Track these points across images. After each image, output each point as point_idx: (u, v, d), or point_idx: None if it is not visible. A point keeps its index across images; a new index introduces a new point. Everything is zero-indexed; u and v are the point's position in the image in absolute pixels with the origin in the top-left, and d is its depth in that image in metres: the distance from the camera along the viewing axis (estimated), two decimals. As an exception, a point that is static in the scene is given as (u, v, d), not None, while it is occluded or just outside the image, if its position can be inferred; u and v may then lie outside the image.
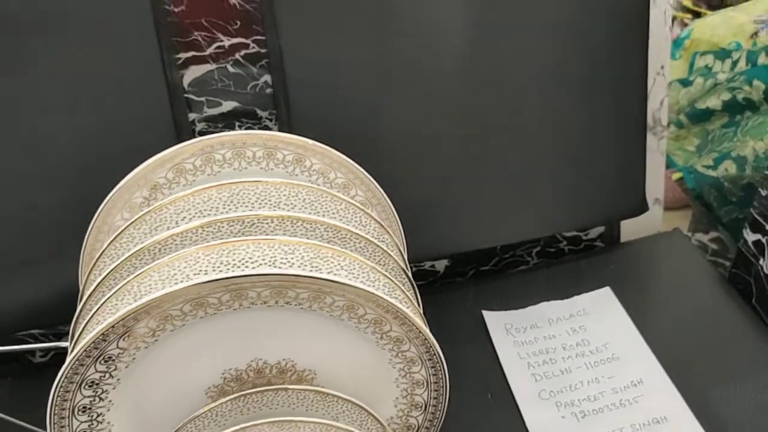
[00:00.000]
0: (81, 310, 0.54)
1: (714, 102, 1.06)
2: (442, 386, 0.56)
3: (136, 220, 0.55)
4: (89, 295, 0.53)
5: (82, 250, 0.61)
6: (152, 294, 0.46)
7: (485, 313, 0.79)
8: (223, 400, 0.52)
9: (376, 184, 0.63)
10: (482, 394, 0.70)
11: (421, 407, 0.57)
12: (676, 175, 1.11)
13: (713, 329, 0.75)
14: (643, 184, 0.81)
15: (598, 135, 0.78)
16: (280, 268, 0.47)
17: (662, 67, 0.79)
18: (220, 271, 0.47)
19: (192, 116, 0.72)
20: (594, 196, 0.80)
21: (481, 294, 0.81)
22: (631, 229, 0.88)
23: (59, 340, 0.81)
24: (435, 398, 0.56)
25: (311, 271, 0.48)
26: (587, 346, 0.75)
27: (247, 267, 0.47)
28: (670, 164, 1.09)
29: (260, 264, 0.48)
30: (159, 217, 0.54)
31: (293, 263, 0.48)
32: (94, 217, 0.61)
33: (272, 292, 0.48)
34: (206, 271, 0.47)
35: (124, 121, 0.68)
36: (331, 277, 0.48)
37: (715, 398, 0.67)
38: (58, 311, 0.67)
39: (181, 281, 0.47)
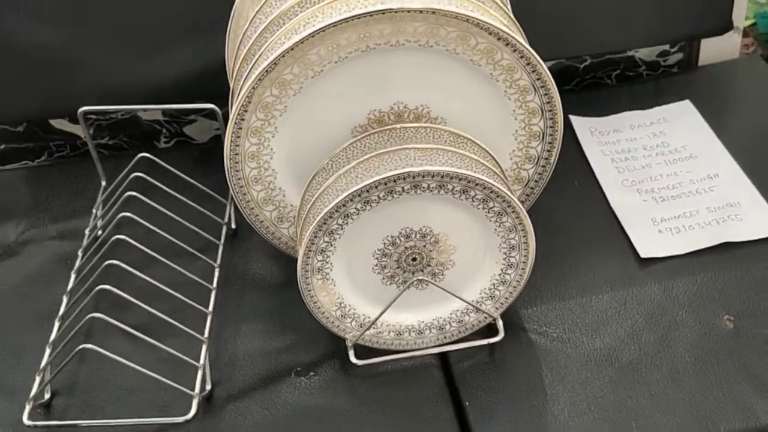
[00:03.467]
0: (245, 54, 0.61)
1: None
2: (556, 142, 0.63)
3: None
4: (254, 41, 0.60)
5: (230, 19, 0.68)
6: (326, 21, 0.53)
7: (572, 117, 0.86)
8: (370, 132, 0.60)
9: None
10: (570, 182, 0.78)
11: (534, 160, 0.64)
12: (748, 21, 1.15)
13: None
14: (731, 4, 0.85)
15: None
16: (436, 3, 0.54)
17: None
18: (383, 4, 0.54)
19: None
20: (685, 11, 0.85)
21: (565, 104, 0.88)
22: (709, 55, 0.93)
23: (182, 128, 0.90)
24: (547, 151, 0.64)
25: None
26: (666, 147, 0.82)
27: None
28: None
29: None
30: (311, -22, 0.61)
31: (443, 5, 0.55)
32: (242, -11, 0.68)
33: (426, 28, 0.55)
34: (367, 5, 0.54)
35: None
36: (477, 16, 0.55)
37: (786, 188, 0.75)
38: (204, 85, 0.76)
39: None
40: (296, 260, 0.63)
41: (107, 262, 0.58)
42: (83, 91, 0.74)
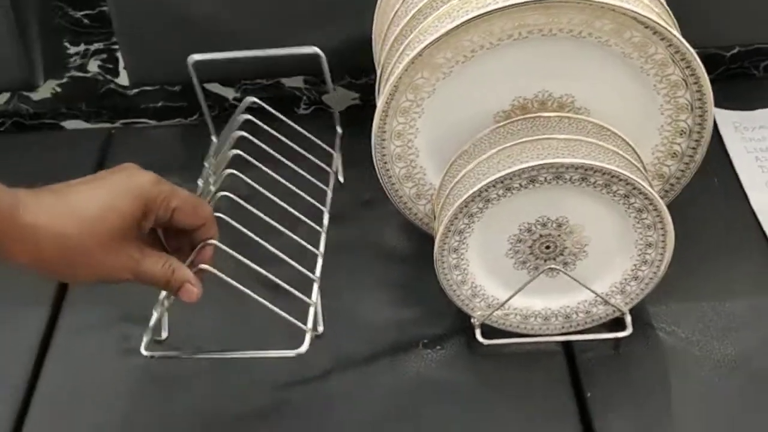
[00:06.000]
0: (397, 34, 0.63)
1: None
2: (703, 139, 0.62)
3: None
4: (406, 23, 0.62)
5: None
6: (482, 9, 0.54)
7: (715, 110, 0.82)
8: (513, 119, 0.61)
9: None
10: (710, 179, 0.75)
11: (677, 156, 0.63)
12: None
13: None
14: None
15: None
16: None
17: None
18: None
19: None
20: None
21: (710, 95, 0.85)
22: None
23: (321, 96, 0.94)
24: (693, 148, 0.62)
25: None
26: (817, 147, 0.78)
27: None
28: None
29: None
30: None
31: (602, -2, 0.55)
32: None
33: (582, 19, 0.55)
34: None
35: None
36: (634, 8, 0.54)
37: None
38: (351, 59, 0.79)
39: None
40: (426, 235, 0.65)
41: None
42: (234, 60, 0.79)
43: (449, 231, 0.59)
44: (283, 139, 0.69)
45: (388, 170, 0.64)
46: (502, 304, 0.62)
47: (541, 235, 0.61)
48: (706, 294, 0.66)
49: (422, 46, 0.57)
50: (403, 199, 0.66)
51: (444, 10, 0.59)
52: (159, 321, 0.62)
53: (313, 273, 0.63)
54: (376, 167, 0.64)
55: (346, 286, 0.69)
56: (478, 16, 0.55)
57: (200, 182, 0.74)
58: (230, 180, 0.63)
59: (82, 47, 0.91)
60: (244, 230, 0.59)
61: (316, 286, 0.63)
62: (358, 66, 0.84)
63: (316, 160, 0.71)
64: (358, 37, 0.78)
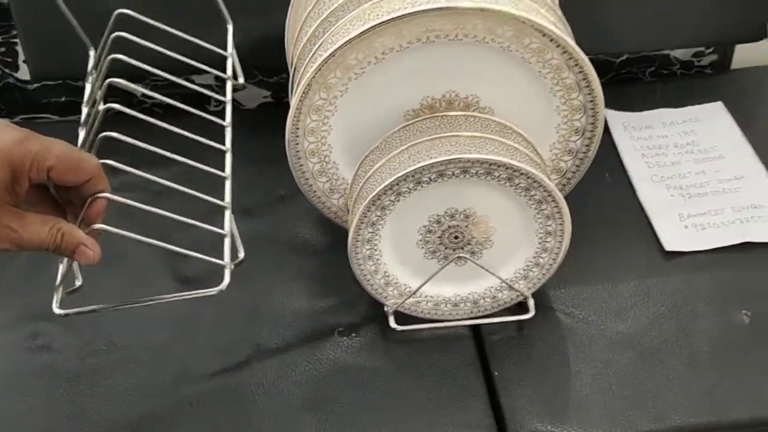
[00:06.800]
0: (310, 36, 0.65)
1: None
2: (596, 137, 0.67)
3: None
4: (319, 24, 0.64)
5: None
6: (393, 14, 0.57)
7: (607, 111, 0.88)
8: (422, 117, 0.64)
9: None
10: (602, 174, 0.82)
11: (573, 153, 0.68)
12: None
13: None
14: (765, 14, 0.88)
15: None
16: (496, 4, 0.58)
17: None
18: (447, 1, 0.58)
19: None
20: (720, 17, 0.88)
21: (602, 98, 0.92)
22: (743, 59, 0.96)
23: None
24: (587, 145, 0.68)
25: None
26: (697, 146, 0.86)
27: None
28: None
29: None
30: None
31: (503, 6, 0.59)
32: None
33: (484, 26, 0.59)
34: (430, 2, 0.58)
35: None
36: (533, 18, 0.58)
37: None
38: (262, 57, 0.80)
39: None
40: (340, 229, 0.68)
41: (103, 134, 0.53)
42: (140, 54, 0.78)
43: (363, 223, 0.62)
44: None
45: (301, 166, 0.66)
46: (414, 292, 0.66)
47: (449, 226, 0.64)
48: (600, 278, 0.71)
49: (335, 47, 0.59)
50: (317, 193, 0.68)
51: (356, 13, 0.62)
52: (69, 271, 0.54)
53: (222, 201, 0.56)
54: (290, 163, 0.66)
55: (262, 279, 0.70)
56: (388, 20, 0.58)
57: (84, 108, 0.65)
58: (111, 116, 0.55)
59: (-22, 41, 0.89)
60: (137, 172, 0.52)
61: (227, 213, 0.57)
62: (269, 64, 0.85)
63: (209, 69, 0.62)
64: (269, 35, 0.80)
